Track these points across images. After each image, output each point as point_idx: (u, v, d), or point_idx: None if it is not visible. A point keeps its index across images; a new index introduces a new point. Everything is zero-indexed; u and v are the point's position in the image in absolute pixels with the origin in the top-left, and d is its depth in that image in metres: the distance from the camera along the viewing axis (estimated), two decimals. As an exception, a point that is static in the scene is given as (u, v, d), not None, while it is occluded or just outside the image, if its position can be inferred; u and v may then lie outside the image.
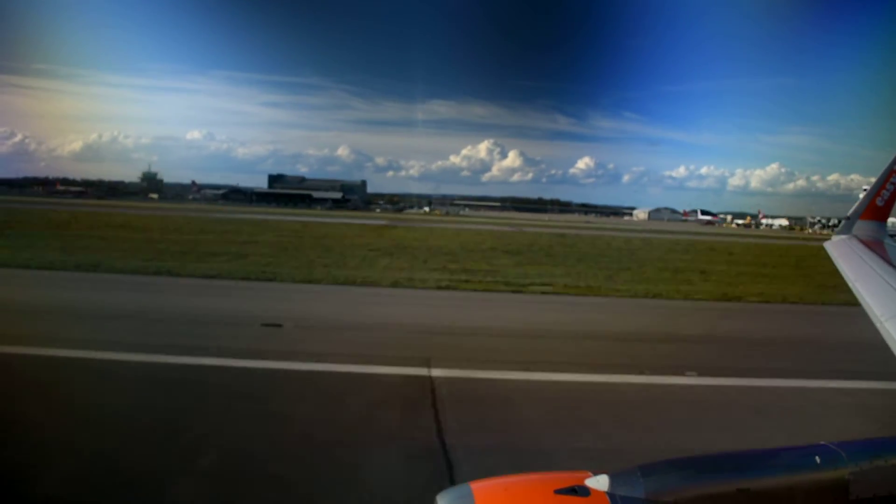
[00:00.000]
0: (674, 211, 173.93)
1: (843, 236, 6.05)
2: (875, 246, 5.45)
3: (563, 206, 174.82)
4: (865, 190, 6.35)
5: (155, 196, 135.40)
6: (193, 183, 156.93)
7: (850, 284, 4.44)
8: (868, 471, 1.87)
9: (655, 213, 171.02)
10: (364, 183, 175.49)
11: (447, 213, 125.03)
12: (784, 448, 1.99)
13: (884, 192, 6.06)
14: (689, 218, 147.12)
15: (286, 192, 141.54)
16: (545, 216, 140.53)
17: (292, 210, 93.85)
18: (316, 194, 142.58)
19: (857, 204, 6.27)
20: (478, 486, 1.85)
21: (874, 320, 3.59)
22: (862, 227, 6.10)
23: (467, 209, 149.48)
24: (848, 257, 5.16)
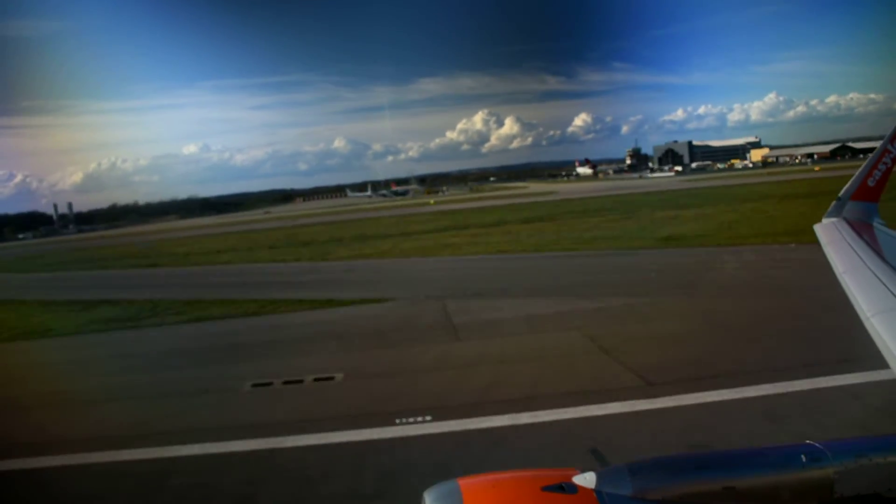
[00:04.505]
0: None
1: (833, 219, 5.85)
2: (864, 229, 5.32)
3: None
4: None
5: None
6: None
7: (839, 276, 4.32)
8: (852, 469, 1.90)
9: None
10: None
11: None
12: (770, 447, 2.02)
13: (875, 172, 5.91)
14: None
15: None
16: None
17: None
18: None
19: (848, 184, 6.05)
20: (465, 483, 1.88)
21: (861, 315, 3.52)
22: (852, 208, 5.92)
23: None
24: (837, 245, 5.01)
